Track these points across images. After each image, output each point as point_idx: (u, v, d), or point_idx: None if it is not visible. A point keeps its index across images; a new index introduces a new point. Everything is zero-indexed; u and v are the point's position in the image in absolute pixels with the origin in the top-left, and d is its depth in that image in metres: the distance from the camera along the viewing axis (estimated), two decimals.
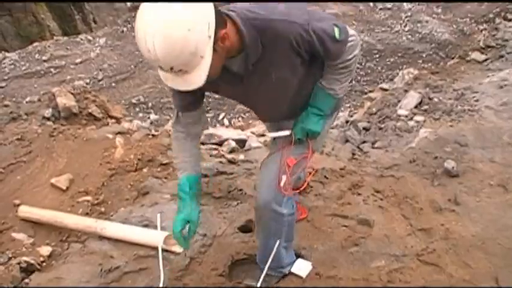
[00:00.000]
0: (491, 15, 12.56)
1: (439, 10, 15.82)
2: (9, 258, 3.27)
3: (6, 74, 14.08)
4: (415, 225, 3.47)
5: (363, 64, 13.99)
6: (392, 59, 13.56)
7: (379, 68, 13.39)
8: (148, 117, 12.11)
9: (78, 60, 14.72)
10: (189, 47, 1.89)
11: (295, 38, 2.16)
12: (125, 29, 16.17)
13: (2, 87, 13.59)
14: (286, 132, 2.61)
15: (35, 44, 15.92)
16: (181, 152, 2.59)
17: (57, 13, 24.60)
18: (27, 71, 14.21)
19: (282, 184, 2.55)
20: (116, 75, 14.23)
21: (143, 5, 1.89)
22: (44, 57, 14.73)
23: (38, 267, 3.23)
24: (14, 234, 3.54)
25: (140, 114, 12.57)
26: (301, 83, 2.45)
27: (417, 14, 15.54)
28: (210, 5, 1.96)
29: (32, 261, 3.23)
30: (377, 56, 14.05)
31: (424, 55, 13.39)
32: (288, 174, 2.57)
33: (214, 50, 2.00)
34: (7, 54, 15.18)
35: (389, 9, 15.95)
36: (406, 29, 14.92)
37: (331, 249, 3.26)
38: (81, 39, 16.05)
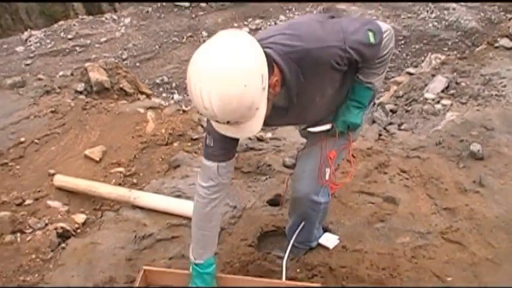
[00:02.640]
0: None
1: None
2: (46, 224, 3.39)
3: (32, 51, 14.07)
4: (439, 204, 3.53)
5: None
6: (417, 46, 13.46)
7: (404, 54, 13.30)
8: (172, 98, 12.18)
9: (103, 39, 14.71)
10: (246, 102, 1.84)
11: (334, 60, 2.16)
12: (149, 9, 16.12)
13: (28, 64, 13.58)
14: (327, 127, 2.62)
15: (61, 22, 15.89)
16: (207, 228, 2.50)
17: None
18: (52, 49, 14.17)
19: (327, 177, 2.62)
20: (141, 54, 14.22)
21: (195, 56, 1.83)
22: (69, 36, 14.70)
23: (74, 233, 3.37)
24: (49, 202, 3.67)
25: (164, 94, 12.65)
26: (338, 89, 2.46)
27: (444, 2, 15.43)
28: (262, 53, 1.90)
29: (68, 228, 3.36)
30: (402, 42, 13.95)
31: (449, 43, 13.29)
32: (331, 167, 2.63)
33: (267, 98, 1.98)
34: (33, 32, 15.17)
35: None
36: (433, 15, 14.77)
37: (358, 225, 3.35)
38: (106, 18, 16.04)
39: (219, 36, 1.88)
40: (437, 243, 3.20)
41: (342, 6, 15.05)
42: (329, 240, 3.17)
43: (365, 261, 3.04)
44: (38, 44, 14.49)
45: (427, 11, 15.03)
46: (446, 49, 12.52)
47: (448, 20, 14.46)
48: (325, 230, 3.25)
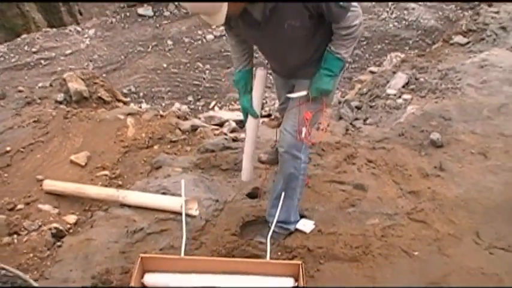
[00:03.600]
0: (476, 2, 12.89)
1: None
2: (40, 226, 3.57)
3: None
4: (404, 188, 3.86)
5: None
6: (379, 46, 13.76)
7: (367, 55, 13.59)
8: (140, 107, 12.27)
9: (68, 52, 14.56)
10: (207, 5, 2.44)
11: None
12: (114, 19, 16.13)
13: None
14: (303, 93, 3.04)
15: (24, 36, 15.74)
16: (234, 53, 3.27)
17: (42, 5, 24.36)
18: (17, 62, 13.93)
19: (303, 135, 3.04)
20: (106, 65, 14.12)
21: None
22: (33, 49, 14.56)
23: (67, 232, 3.57)
24: (40, 206, 3.84)
25: (132, 104, 12.72)
26: (309, 36, 2.87)
27: (403, 2, 15.85)
28: None
29: (61, 228, 3.57)
30: (364, 43, 14.23)
31: (410, 42, 13.62)
32: (307, 126, 3.04)
33: None
34: None
35: None
36: (393, 16, 15.09)
37: (331, 210, 3.65)
38: (70, 30, 15.91)
39: None
40: (404, 222, 3.52)
41: None
42: (306, 225, 3.46)
43: (339, 241, 3.34)
44: (2, 58, 14.30)
45: (387, 12, 15.35)
46: (407, 48, 12.81)
47: (408, 19, 14.82)
48: (302, 216, 3.54)
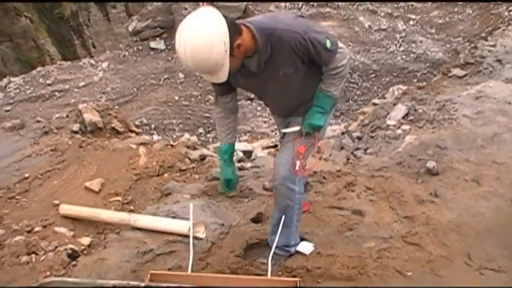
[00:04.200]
0: (483, 34, 13.09)
1: (433, 30, 16.31)
2: (56, 247, 3.83)
3: (11, 98, 14.35)
4: (400, 214, 4.07)
5: (359, 84, 14.39)
6: (387, 79, 13.97)
7: (375, 87, 13.82)
8: (152, 139, 12.48)
9: (81, 84, 14.99)
10: (212, 61, 2.64)
11: (295, 43, 2.88)
12: (126, 53, 16.46)
13: (7, 110, 13.77)
14: (296, 128, 3.30)
15: (39, 68, 16.13)
16: (220, 127, 3.45)
17: (56, 38, 24.84)
18: (31, 94, 14.45)
19: (297, 168, 3.24)
20: (119, 98, 14.53)
21: (180, 26, 2.62)
22: (48, 81, 14.98)
23: (81, 253, 3.82)
24: (56, 228, 4.09)
25: (143, 136, 12.95)
26: (303, 80, 3.14)
27: (411, 35, 15.99)
28: (225, 26, 2.64)
29: (76, 248, 3.82)
30: (373, 76, 14.46)
31: (418, 74, 13.82)
32: (300, 160, 3.26)
33: (233, 55, 2.72)
34: (12, 78, 15.41)
35: (384, 30, 16.35)
36: (401, 49, 15.33)
37: (330, 234, 3.86)
38: (84, 63, 16.31)
39: (194, 13, 2.67)
40: (399, 245, 3.72)
41: None
42: (305, 247, 3.68)
43: (337, 263, 3.54)
44: (18, 90, 14.64)
45: (396, 45, 15.61)
46: (415, 80, 13.02)
47: (416, 52, 15.05)
48: (302, 239, 3.75)
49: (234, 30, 2.72)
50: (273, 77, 3.04)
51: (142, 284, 2.58)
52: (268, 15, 3.11)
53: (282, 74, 3.01)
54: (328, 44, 2.95)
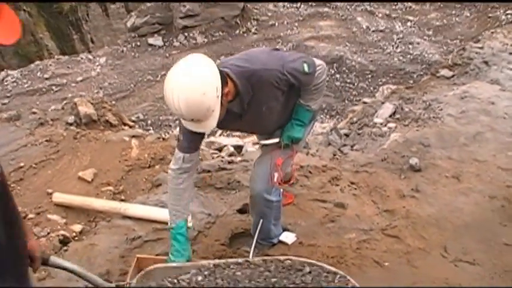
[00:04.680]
0: (480, 37, 13.25)
1: (430, 32, 16.47)
2: (48, 233, 3.98)
3: (8, 91, 14.55)
4: (381, 207, 4.22)
5: (356, 84, 14.54)
6: (384, 79, 14.07)
7: (372, 88, 13.91)
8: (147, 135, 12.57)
9: (79, 79, 15.18)
10: (204, 106, 2.56)
11: (275, 79, 2.92)
12: (124, 48, 16.68)
13: (4, 104, 13.95)
14: (276, 140, 3.38)
15: (37, 62, 16.34)
16: (176, 201, 3.08)
17: (55, 33, 24.84)
18: (29, 88, 14.66)
19: (275, 179, 3.32)
20: (116, 93, 14.71)
21: (170, 73, 2.59)
22: (45, 76, 15.19)
23: (72, 239, 3.96)
24: (49, 216, 4.25)
25: (140, 131, 13.04)
26: (283, 107, 3.22)
27: (409, 36, 16.13)
28: (216, 71, 2.63)
29: (68, 235, 3.96)
30: (369, 76, 14.57)
31: (414, 75, 13.96)
32: (279, 172, 3.33)
33: (221, 103, 2.68)
34: (9, 72, 15.58)
35: (381, 31, 16.48)
36: (398, 50, 15.47)
37: (312, 225, 4.01)
38: (82, 58, 16.52)
39: (186, 59, 2.65)
40: (378, 237, 3.87)
41: (310, 43, 15.81)
42: (288, 237, 3.82)
43: (317, 252, 3.68)
44: (15, 84, 14.82)
45: (393, 46, 15.74)
46: (411, 81, 13.11)
47: (412, 54, 15.19)
48: (285, 229, 3.89)
49: (223, 78, 2.68)
50: (257, 114, 3.09)
51: None
52: (241, 55, 3.09)
53: (265, 109, 3.08)
54: (306, 68, 3.02)
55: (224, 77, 2.72)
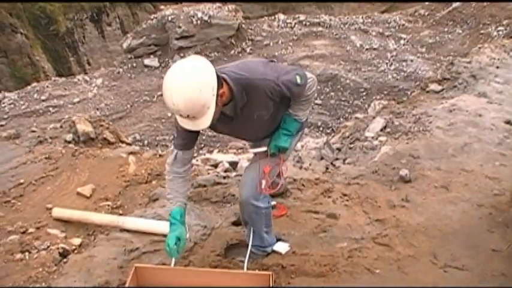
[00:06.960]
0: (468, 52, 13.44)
1: (423, 49, 16.66)
2: (48, 246, 4.07)
3: (5, 113, 14.60)
4: (372, 217, 4.34)
5: (351, 102, 14.72)
6: (378, 97, 14.18)
7: (366, 105, 13.97)
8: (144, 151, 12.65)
9: (75, 100, 15.25)
10: (201, 102, 2.77)
11: (269, 90, 3.14)
12: (120, 70, 16.81)
13: (2, 125, 13.95)
14: (264, 149, 3.57)
15: (34, 84, 16.41)
16: (175, 190, 3.34)
17: (52, 55, 25.06)
18: (26, 110, 14.69)
19: (262, 187, 3.46)
20: (113, 114, 14.81)
21: (169, 72, 2.80)
22: (42, 97, 15.24)
23: (72, 253, 4.06)
24: (49, 230, 4.33)
25: (137, 148, 13.11)
26: (273, 116, 3.41)
27: (402, 54, 16.31)
28: (213, 72, 2.84)
29: (67, 248, 4.07)
30: (364, 94, 14.73)
31: (408, 92, 14.07)
32: (266, 179, 3.48)
33: (216, 103, 2.86)
34: (6, 94, 15.63)
35: (375, 49, 16.65)
36: (392, 68, 15.63)
37: (305, 235, 4.13)
38: (79, 79, 16.61)
39: (185, 58, 2.91)
40: (369, 246, 3.98)
41: (305, 62, 15.98)
42: (281, 247, 3.93)
43: (310, 261, 3.79)
44: (12, 105, 14.86)
45: (387, 64, 15.90)
46: (406, 98, 13.31)
47: (406, 71, 15.35)
48: (278, 239, 4.01)
49: (218, 80, 2.88)
50: (248, 119, 3.27)
51: None
52: (238, 64, 3.26)
53: (256, 116, 3.27)
54: (299, 80, 3.23)
55: (220, 80, 2.93)
